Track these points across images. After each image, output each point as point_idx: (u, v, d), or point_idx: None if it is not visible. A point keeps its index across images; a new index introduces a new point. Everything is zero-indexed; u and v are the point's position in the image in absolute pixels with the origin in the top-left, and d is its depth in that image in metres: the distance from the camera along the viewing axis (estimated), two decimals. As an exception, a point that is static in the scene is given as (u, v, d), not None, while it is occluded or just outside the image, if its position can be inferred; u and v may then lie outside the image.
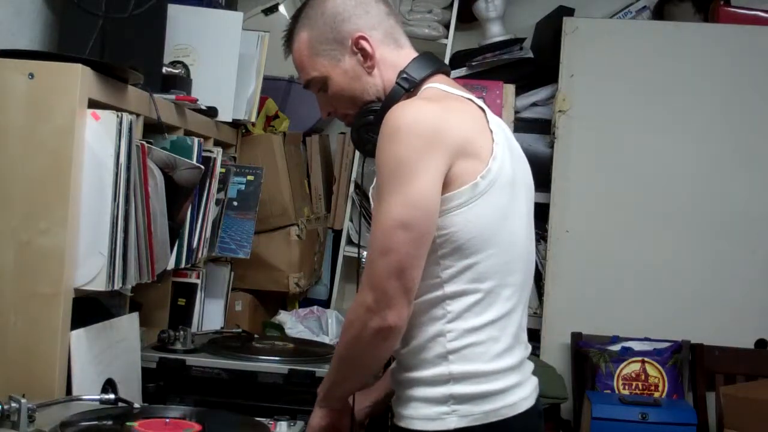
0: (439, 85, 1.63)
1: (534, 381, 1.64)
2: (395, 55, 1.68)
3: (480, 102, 1.63)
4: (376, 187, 1.53)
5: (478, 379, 1.54)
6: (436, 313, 1.55)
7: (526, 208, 1.64)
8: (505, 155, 1.57)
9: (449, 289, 1.54)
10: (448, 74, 1.72)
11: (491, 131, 1.57)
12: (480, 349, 1.54)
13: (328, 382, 1.68)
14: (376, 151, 1.52)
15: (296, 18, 1.72)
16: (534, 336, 3.48)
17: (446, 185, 1.50)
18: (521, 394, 1.58)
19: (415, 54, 1.70)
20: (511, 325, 1.58)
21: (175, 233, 2.16)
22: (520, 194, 1.62)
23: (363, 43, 1.65)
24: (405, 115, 1.50)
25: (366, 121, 1.67)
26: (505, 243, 1.56)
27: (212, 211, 2.52)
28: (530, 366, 1.65)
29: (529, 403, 1.58)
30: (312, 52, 1.67)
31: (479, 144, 1.54)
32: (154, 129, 2.14)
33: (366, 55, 1.66)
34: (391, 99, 1.63)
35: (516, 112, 3.70)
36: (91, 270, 1.79)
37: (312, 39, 1.67)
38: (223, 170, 2.59)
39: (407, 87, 1.64)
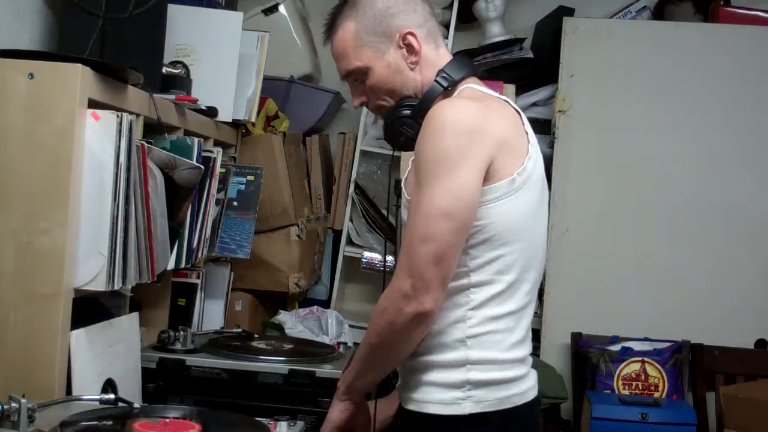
0: (474, 86, 1.71)
1: (535, 373, 1.71)
2: (434, 55, 1.75)
3: (514, 104, 1.70)
4: (416, 177, 1.59)
5: (494, 366, 1.60)
6: (459, 299, 1.61)
7: (546, 209, 1.73)
8: (538, 156, 1.67)
9: (475, 278, 1.60)
10: (479, 77, 1.77)
11: (526, 132, 1.66)
12: (497, 338, 1.61)
13: (351, 373, 1.70)
14: (419, 144, 1.59)
15: (341, 8, 1.79)
16: (534, 336, 3.44)
17: (485, 179, 1.57)
18: (529, 383, 1.66)
19: (449, 55, 1.77)
20: (525, 317, 1.66)
21: (175, 233, 2.16)
22: (545, 195, 1.71)
23: (411, 39, 1.72)
24: (450, 111, 1.58)
25: (401, 114, 1.72)
26: (531, 239, 1.64)
27: (212, 211, 2.52)
28: (531, 359, 1.72)
29: (534, 393, 1.67)
30: (357, 43, 1.73)
31: (516, 143, 1.62)
32: (154, 129, 2.14)
33: (411, 51, 1.72)
34: (429, 95, 1.70)
35: (516, 112, 3.70)
36: (91, 270, 1.79)
37: (359, 30, 1.73)
38: (223, 170, 2.59)
39: (446, 85, 1.70)
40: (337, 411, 1.72)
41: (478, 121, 1.57)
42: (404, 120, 1.72)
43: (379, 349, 1.63)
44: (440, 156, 1.54)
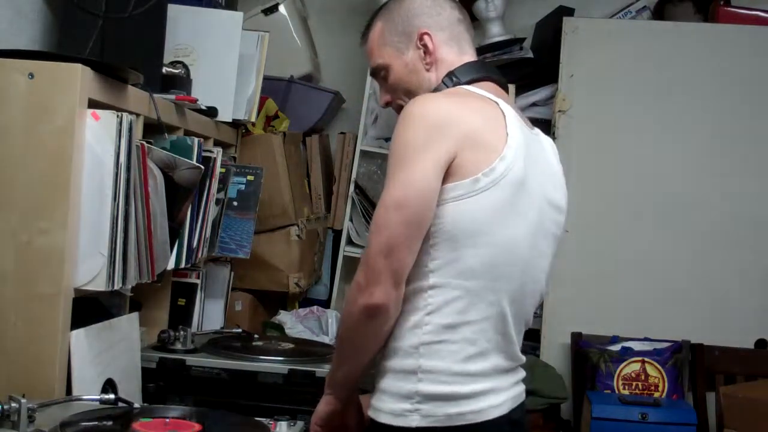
0: (473, 88, 1.67)
1: (516, 391, 1.62)
2: (455, 59, 1.75)
3: (507, 106, 1.63)
4: None
5: (446, 377, 1.53)
6: (418, 303, 1.55)
7: (538, 221, 1.63)
8: (518, 159, 1.56)
9: (433, 280, 1.54)
10: (499, 83, 1.74)
11: (507, 134, 1.57)
12: (452, 348, 1.53)
13: (332, 367, 1.70)
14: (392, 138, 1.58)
15: (378, 10, 1.82)
16: (534, 336, 3.48)
17: (448, 176, 1.52)
18: (492, 401, 1.55)
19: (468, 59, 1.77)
20: (490, 330, 1.56)
21: (175, 233, 2.16)
22: (532, 203, 1.60)
23: (426, 39, 1.73)
24: (419, 105, 1.57)
25: None
26: (499, 245, 1.55)
27: (212, 211, 2.52)
28: (516, 377, 1.64)
29: (500, 412, 1.55)
30: (382, 41, 1.77)
31: (489, 141, 1.55)
32: (154, 129, 2.14)
33: (426, 51, 1.74)
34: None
35: (516, 112, 3.70)
36: (91, 270, 1.79)
37: (385, 29, 1.77)
38: (223, 170, 2.59)
39: (450, 85, 1.70)
40: (322, 404, 1.70)
41: (443, 115, 1.54)
42: None
43: (344, 341, 1.63)
44: (401, 148, 1.53)
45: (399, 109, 1.76)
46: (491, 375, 1.56)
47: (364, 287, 1.50)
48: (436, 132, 1.52)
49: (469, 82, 1.69)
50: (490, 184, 1.53)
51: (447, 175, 1.52)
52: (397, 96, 1.77)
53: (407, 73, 1.75)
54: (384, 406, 1.56)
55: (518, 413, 1.61)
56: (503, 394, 1.57)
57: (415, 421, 1.52)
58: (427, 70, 1.74)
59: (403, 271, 1.51)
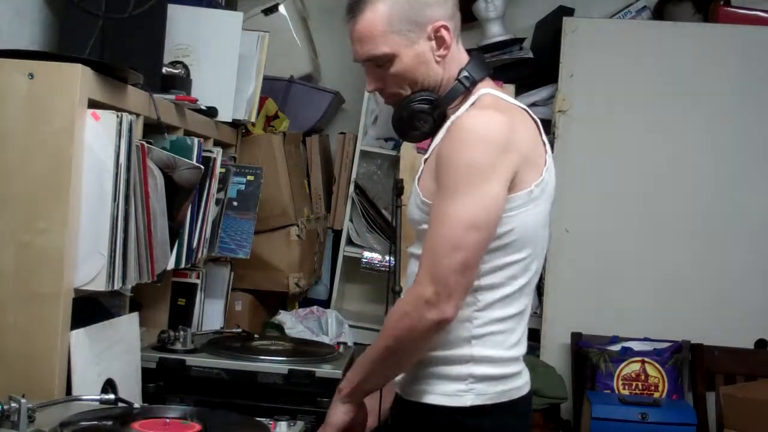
0: (493, 91, 1.71)
1: (527, 370, 1.77)
2: (458, 51, 1.75)
3: (531, 112, 1.71)
4: (440, 184, 1.60)
5: (496, 363, 1.65)
6: (467, 299, 1.63)
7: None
8: (552, 166, 1.69)
9: (485, 281, 1.64)
10: (492, 78, 1.78)
11: (544, 143, 1.69)
12: (500, 338, 1.66)
13: (358, 375, 1.70)
14: (446, 152, 1.61)
15: None
16: (534, 336, 3.48)
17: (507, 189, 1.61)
18: (525, 379, 1.72)
19: (465, 52, 1.77)
20: (524, 319, 1.72)
21: (175, 233, 2.16)
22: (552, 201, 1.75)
23: (444, 32, 1.70)
24: (482, 123, 1.60)
25: (420, 108, 1.71)
26: (539, 247, 1.69)
27: (212, 211, 2.52)
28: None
29: (528, 387, 1.73)
30: (388, 28, 1.68)
31: (536, 155, 1.66)
32: (154, 129, 2.14)
33: (441, 44, 1.70)
34: (451, 95, 1.72)
35: (516, 112, 3.70)
36: (91, 270, 1.79)
37: (392, 15, 1.67)
38: (223, 170, 2.59)
39: (467, 85, 1.71)
40: (340, 413, 1.71)
41: (507, 135, 1.59)
42: (422, 115, 1.71)
43: (395, 352, 1.64)
44: (470, 167, 1.56)
45: (392, 97, 1.75)
46: (522, 358, 1.73)
47: (436, 303, 1.56)
48: (502, 153, 1.58)
49: (481, 80, 1.72)
50: (540, 194, 1.65)
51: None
52: (398, 85, 1.72)
53: (416, 65, 1.70)
54: (434, 389, 1.66)
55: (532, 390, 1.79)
56: (527, 373, 1.74)
57: (469, 400, 1.64)
58: (437, 62, 1.71)
59: (472, 285, 1.61)
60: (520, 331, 1.70)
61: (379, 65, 1.71)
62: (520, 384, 1.70)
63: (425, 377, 1.67)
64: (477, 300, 1.64)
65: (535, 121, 1.70)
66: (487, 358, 1.65)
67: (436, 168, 1.63)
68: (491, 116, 1.62)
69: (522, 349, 1.72)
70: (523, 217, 1.63)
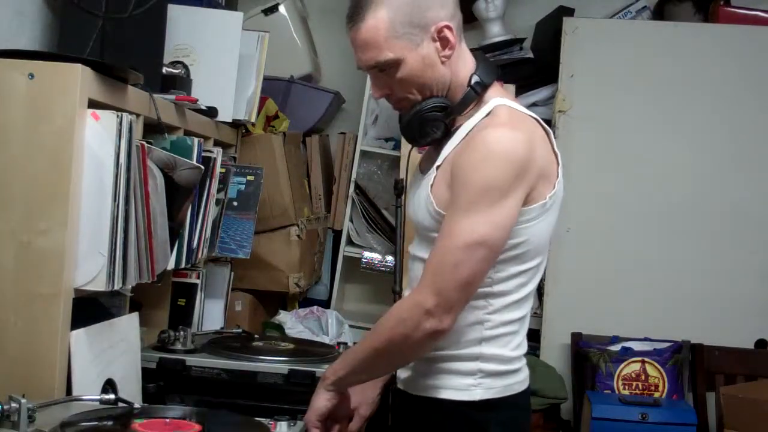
0: (506, 101, 1.70)
1: (527, 367, 1.82)
2: (462, 50, 1.74)
3: (541, 121, 1.72)
4: (454, 197, 1.61)
5: (502, 361, 1.71)
6: (478, 303, 1.67)
7: None
8: (562, 175, 1.70)
9: (497, 288, 1.68)
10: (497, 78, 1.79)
11: (555, 154, 1.70)
12: (508, 339, 1.72)
13: (346, 368, 1.71)
14: (465, 166, 1.61)
15: None
16: (534, 336, 3.48)
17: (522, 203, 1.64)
18: (525, 373, 1.78)
19: (469, 51, 1.76)
20: (527, 321, 1.77)
21: (175, 233, 2.16)
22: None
23: (447, 32, 1.68)
24: (504, 142, 1.60)
25: (433, 116, 1.70)
26: (546, 254, 1.75)
27: (212, 211, 2.51)
28: None
29: (527, 383, 1.79)
30: (391, 34, 1.65)
31: (550, 168, 1.68)
32: (154, 129, 2.14)
33: (446, 45, 1.69)
34: (465, 101, 1.71)
35: (516, 112, 3.70)
36: (91, 270, 1.79)
37: (394, 20, 1.65)
38: (223, 170, 2.59)
39: (479, 91, 1.71)
40: (323, 399, 1.73)
41: (526, 154, 1.60)
42: (435, 123, 1.70)
43: (384, 355, 1.66)
44: (489, 186, 1.57)
45: (400, 102, 1.73)
46: (524, 355, 1.79)
47: (434, 314, 1.58)
48: (521, 173, 1.59)
49: (491, 84, 1.72)
50: (552, 204, 1.68)
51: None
52: (406, 90, 1.70)
53: (423, 68, 1.67)
54: (445, 383, 1.70)
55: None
56: (526, 369, 1.79)
57: (478, 395, 1.69)
58: (443, 64, 1.69)
59: (472, 297, 1.64)
60: (524, 331, 1.76)
61: (384, 71, 1.69)
62: (522, 378, 1.76)
63: (434, 373, 1.71)
64: (489, 304, 1.68)
65: (547, 132, 1.71)
66: (495, 357, 1.70)
67: (451, 178, 1.63)
68: (511, 135, 1.61)
69: (524, 348, 1.77)
70: (536, 228, 1.66)
